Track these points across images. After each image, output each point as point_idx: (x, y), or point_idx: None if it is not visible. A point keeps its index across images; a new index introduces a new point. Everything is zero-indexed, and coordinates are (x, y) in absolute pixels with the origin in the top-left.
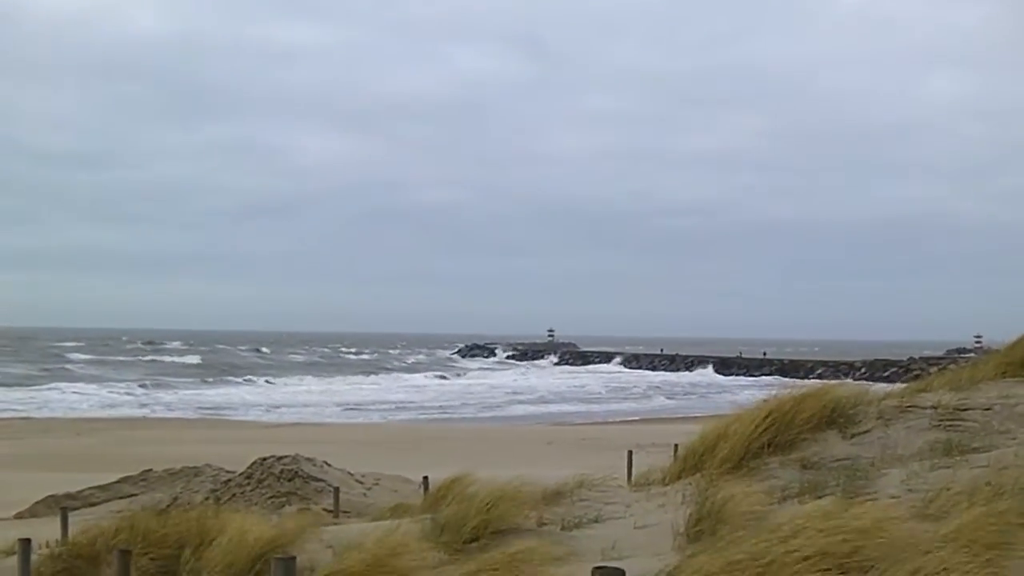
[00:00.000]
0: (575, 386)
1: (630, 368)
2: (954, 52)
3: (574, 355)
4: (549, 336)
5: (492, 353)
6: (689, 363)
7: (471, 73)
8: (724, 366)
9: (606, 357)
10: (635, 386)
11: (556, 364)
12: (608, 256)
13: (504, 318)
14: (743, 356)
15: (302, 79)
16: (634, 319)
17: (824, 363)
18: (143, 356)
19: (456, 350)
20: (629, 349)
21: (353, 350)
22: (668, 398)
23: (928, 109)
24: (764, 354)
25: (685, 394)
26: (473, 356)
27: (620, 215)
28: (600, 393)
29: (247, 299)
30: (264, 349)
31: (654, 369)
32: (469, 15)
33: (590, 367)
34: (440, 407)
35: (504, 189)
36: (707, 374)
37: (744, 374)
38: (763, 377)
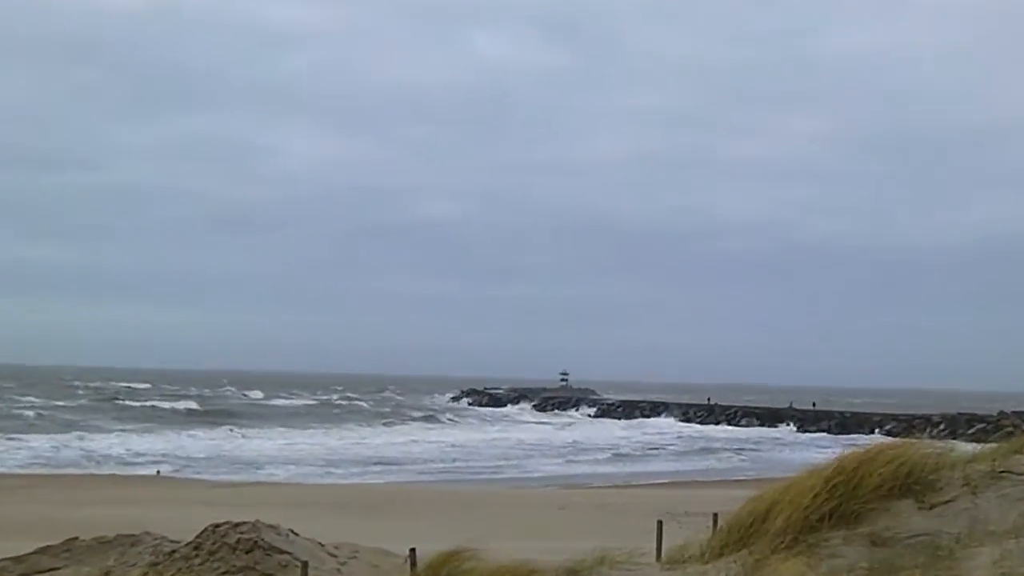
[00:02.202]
0: (642, 441)
1: (688, 422)
2: None
3: (612, 406)
4: (563, 380)
5: (496, 401)
6: (731, 415)
7: (489, 61)
8: (773, 419)
9: (652, 408)
10: (661, 442)
11: (594, 416)
12: (634, 284)
13: (506, 356)
14: (795, 407)
15: (292, 67)
16: (658, 360)
17: (894, 417)
18: (123, 400)
19: (453, 396)
20: (671, 398)
21: (339, 394)
22: (706, 456)
23: None
24: (814, 405)
25: (725, 451)
26: (476, 403)
27: (656, 234)
28: (665, 447)
29: (212, 330)
30: (254, 394)
31: (688, 421)
32: None
33: (632, 421)
34: (443, 465)
35: (519, 201)
36: (751, 429)
37: (798, 429)
38: (820, 433)
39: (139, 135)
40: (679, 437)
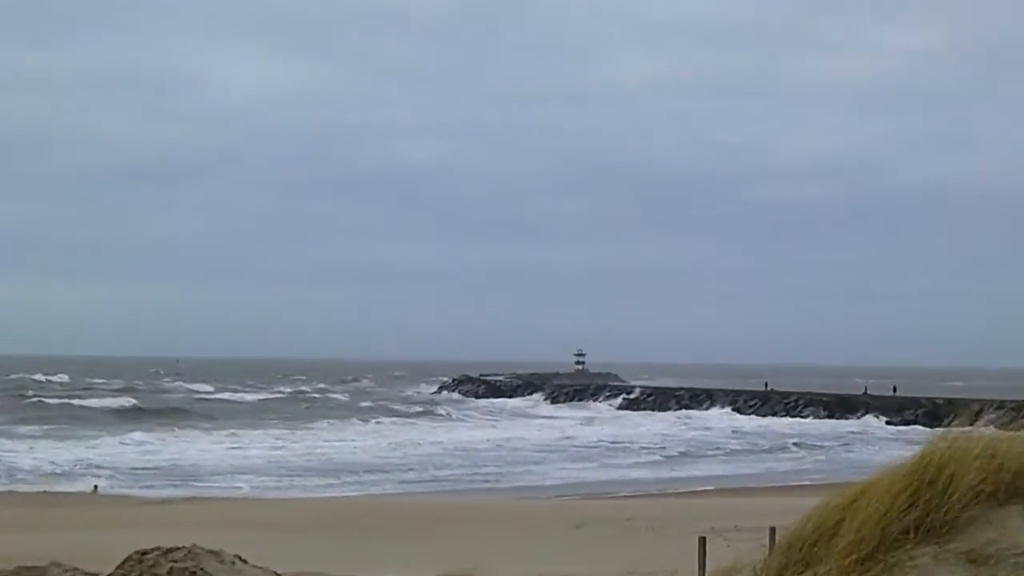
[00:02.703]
0: (689, 440)
1: (739, 413)
2: None
3: (644, 396)
4: (578, 364)
5: (496, 390)
6: (791, 404)
7: None
8: (844, 408)
9: (692, 397)
10: (715, 440)
11: (620, 409)
12: (665, 244)
13: (504, 335)
14: (870, 394)
15: None
16: (693, 339)
17: (998, 404)
18: (36, 396)
19: (441, 385)
20: (716, 384)
21: (303, 386)
22: (764, 458)
23: None
24: (894, 390)
25: (787, 450)
26: (470, 393)
27: (697, 180)
28: (719, 446)
29: (129, 308)
30: (201, 387)
31: (738, 412)
32: None
33: (671, 413)
34: (437, 473)
35: (522, 140)
36: (818, 422)
37: (876, 419)
38: (905, 426)
39: (31, 63)
40: (735, 433)
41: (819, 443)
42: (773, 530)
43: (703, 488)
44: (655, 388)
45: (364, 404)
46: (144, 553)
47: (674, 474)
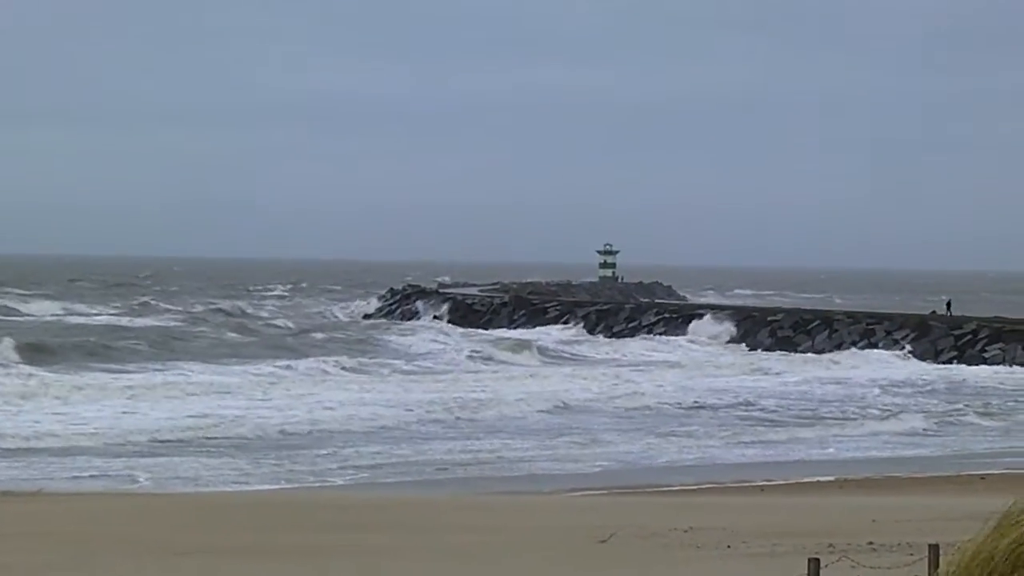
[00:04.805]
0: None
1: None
2: None
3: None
4: (606, 262)
5: (474, 314)
6: (965, 339)
7: None
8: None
9: (826, 324)
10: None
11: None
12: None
13: (465, 215)
14: None
15: None
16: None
17: None
18: None
19: (382, 306)
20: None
21: (151, 298)
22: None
23: None
24: None
25: (955, 414)
26: (422, 315)
27: None
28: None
29: None
30: (37, 304)
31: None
32: None
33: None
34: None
35: None
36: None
37: None
38: None
39: None
40: (932, 391)
41: (1014, 401)
42: (934, 549)
43: (813, 478)
44: (750, 310)
45: (317, 336)
46: None
47: (770, 455)
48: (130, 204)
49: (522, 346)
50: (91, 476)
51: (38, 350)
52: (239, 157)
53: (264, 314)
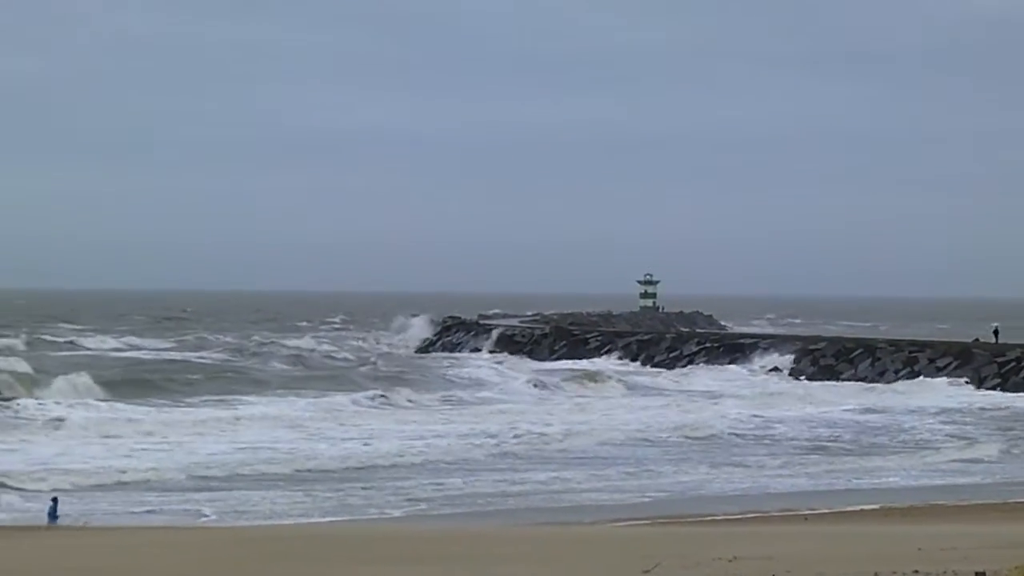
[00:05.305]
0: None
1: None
2: None
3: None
4: (647, 292)
5: (516, 346)
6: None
7: None
8: None
9: (868, 355)
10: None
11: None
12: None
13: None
14: None
15: None
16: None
17: None
18: None
19: (432, 335)
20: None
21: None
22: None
23: None
24: None
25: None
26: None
27: None
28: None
29: None
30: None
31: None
32: None
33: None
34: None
35: None
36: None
37: None
38: None
39: None
40: (984, 418)
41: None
42: None
43: (857, 507)
44: (793, 338)
45: (372, 368)
46: None
47: (817, 484)
48: (168, 241)
49: (592, 376)
50: (147, 511)
51: (112, 384)
52: (278, 195)
53: (320, 347)
